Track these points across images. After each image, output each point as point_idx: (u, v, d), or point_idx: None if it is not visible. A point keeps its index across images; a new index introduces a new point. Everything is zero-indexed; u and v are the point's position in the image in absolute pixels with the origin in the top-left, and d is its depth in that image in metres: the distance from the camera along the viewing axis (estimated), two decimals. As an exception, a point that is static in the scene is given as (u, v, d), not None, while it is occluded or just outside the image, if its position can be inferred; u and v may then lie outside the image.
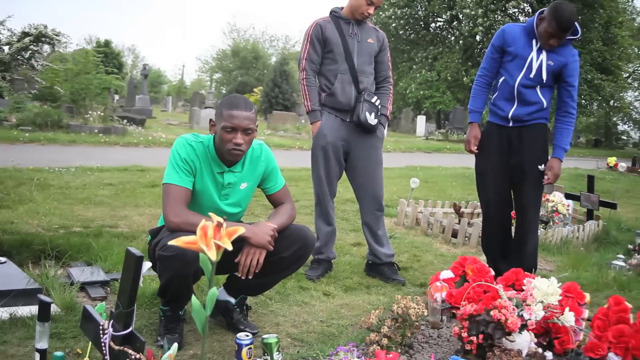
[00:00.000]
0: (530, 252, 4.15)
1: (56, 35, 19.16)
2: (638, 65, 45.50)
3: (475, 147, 4.16)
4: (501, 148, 4.09)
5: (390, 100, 4.35)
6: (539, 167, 4.00)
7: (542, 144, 4.05)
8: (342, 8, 4.21)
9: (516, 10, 31.79)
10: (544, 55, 3.89)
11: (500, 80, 4.08)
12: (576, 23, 3.84)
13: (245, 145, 2.80)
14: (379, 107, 4.19)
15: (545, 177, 3.98)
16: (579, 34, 3.93)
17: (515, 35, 3.99)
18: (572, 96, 3.99)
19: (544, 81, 3.91)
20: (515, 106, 4.00)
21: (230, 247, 1.61)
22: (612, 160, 16.57)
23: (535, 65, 3.91)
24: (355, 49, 4.12)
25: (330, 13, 4.22)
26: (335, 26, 4.13)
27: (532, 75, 3.91)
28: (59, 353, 2.06)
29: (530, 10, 31.86)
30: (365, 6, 4.04)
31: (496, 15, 30.26)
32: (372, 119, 4.10)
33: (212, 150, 2.86)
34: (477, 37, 32.45)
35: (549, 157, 4.04)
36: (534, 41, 3.92)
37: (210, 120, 2.91)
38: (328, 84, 4.15)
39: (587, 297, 3.22)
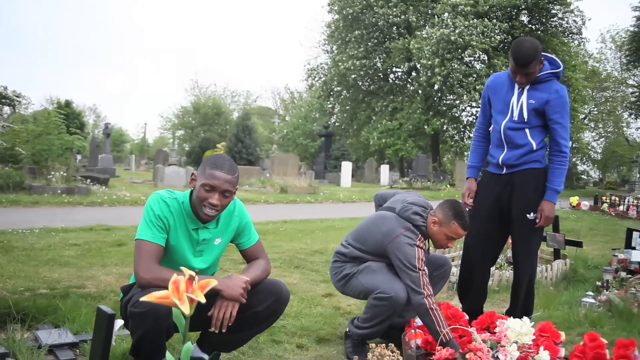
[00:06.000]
0: (521, 305, 4.09)
1: (17, 96, 19.14)
2: (593, 106, 46.80)
3: (471, 200, 4.11)
4: (492, 194, 4.03)
5: None
6: (527, 215, 3.89)
7: (533, 190, 3.92)
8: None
9: (471, 58, 32.44)
10: (524, 95, 3.84)
11: (491, 129, 4.10)
12: (555, 57, 3.86)
13: (221, 207, 2.78)
14: None
15: (537, 220, 3.89)
16: (561, 67, 3.86)
17: (499, 83, 4.00)
18: (560, 134, 3.84)
19: (526, 121, 3.84)
20: (505, 151, 3.95)
21: (203, 300, 1.59)
22: (574, 199, 16.80)
23: (516, 107, 3.86)
24: None
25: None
26: None
27: (515, 117, 3.86)
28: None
29: (485, 58, 32.60)
30: (445, 240, 3.63)
31: (453, 64, 30.88)
32: None
33: (187, 206, 2.83)
34: (436, 87, 33.03)
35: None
36: (516, 84, 3.88)
37: (192, 174, 2.86)
38: None
39: (563, 335, 3.24)
